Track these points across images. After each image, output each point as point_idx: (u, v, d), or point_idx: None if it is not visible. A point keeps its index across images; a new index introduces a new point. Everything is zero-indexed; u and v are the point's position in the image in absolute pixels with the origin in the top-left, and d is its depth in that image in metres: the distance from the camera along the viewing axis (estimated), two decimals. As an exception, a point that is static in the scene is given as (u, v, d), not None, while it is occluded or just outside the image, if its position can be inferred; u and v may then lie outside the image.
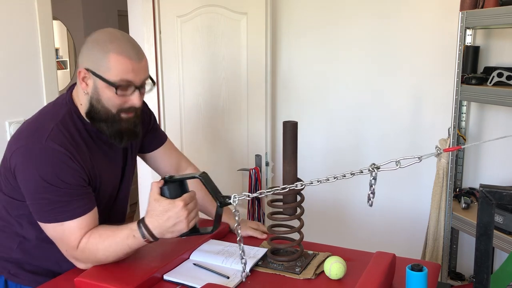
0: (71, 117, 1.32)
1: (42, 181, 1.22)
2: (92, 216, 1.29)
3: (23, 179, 1.25)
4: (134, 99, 1.30)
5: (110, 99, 1.28)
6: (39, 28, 2.20)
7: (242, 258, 1.27)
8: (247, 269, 1.33)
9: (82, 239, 1.26)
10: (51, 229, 1.27)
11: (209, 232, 1.34)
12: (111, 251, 1.26)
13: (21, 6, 2.12)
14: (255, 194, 1.24)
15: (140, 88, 1.32)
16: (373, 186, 1.14)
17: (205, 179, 1.29)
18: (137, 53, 1.29)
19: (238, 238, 1.26)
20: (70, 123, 1.31)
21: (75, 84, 1.40)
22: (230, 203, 1.25)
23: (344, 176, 1.16)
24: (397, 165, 1.12)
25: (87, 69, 1.28)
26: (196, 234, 1.34)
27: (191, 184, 1.37)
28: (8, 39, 2.09)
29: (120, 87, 1.27)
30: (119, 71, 1.26)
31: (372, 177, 1.13)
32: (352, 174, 1.16)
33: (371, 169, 1.13)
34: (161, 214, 1.23)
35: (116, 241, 1.26)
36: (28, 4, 2.15)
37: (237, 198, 1.23)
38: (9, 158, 1.26)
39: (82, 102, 1.33)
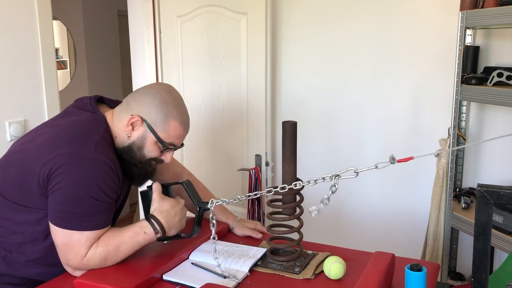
0: (109, 134, 1.37)
1: (83, 192, 1.24)
2: (108, 228, 1.32)
3: (61, 185, 1.23)
4: (168, 157, 1.44)
5: (152, 151, 1.39)
6: (39, 28, 2.20)
7: (216, 258, 1.31)
8: (247, 270, 1.33)
9: (91, 248, 1.28)
10: (66, 235, 1.26)
11: (190, 236, 1.41)
12: (122, 250, 1.30)
13: (21, 6, 2.13)
14: (230, 200, 1.30)
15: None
16: (328, 196, 1.15)
17: (187, 185, 1.40)
18: (189, 124, 1.45)
19: (214, 244, 1.31)
20: (109, 139, 1.36)
21: (101, 98, 1.46)
22: (208, 208, 1.32)
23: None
24: (355, 173, 1.14)
25: (144, 120, 1.36)
26: (177, 239, 1.41)
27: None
28: (8, 39, 2.09)
29: (167, 149, 1.40)
30: (173, 136, 1.39)
31: (332, 185, 1.15)
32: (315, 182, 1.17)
33: (331, 177, 1.15)
34: (170, 210, 1.34)
35: (125, 240, 1.30)
36: (28, 4, 2.15)
37: (214, 203, 1.30)
38: (45, 162, 1.23)
39: (118, 136, 1.39)
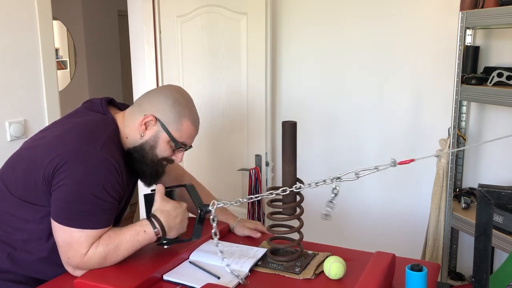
0: (116, 135, 1.39)
1: (86, 189, 1.25)
2: (109, 228, 1.33)
3: (66, 181, 1.25)
4: (179, 157, 1.47)
5: (164, 151, 1.42)
6: (39, 28, 2.20)
7: (224, 258, 1.32)
8: (247, 270, 1.33)
9: (91, 247, 1.28)
10: (67, 233, 1.27)
11: (191, 240, 1.42)
12: (122, 249, 1.30)
13: (21, 6, 2.13)
14: (231, 202, 1.30)
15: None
16: (331, 199, 1.15)
17: (189, 188, 1.43)
18: (199, 125, 1.48)
19: (216, 245, 1.30)
20: (116, 140, 1.38)
21: (110, 100, 1.47)
22: (209, 211, 1.32)
23: (309, 185, 1.18)
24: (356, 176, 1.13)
25: (158, 119, 1.38)
26: (178, 242, 1.42)
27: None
28: (8, 39, 2.09)
29: (179, 148, 1.43)
30: (185, 136, 1.43)
31: (333, 188, 1.15)
32: (317, 184, 1.18)
33: (332, 179, 1.15)
34: (172, 211, 1.35)
35: (126, 239, 1.31)
36: (28, 4, 2.15)
37: (215, 205, 1.31)
38: (53, 157, 1.25)
39: (129, 137, 1.41)
